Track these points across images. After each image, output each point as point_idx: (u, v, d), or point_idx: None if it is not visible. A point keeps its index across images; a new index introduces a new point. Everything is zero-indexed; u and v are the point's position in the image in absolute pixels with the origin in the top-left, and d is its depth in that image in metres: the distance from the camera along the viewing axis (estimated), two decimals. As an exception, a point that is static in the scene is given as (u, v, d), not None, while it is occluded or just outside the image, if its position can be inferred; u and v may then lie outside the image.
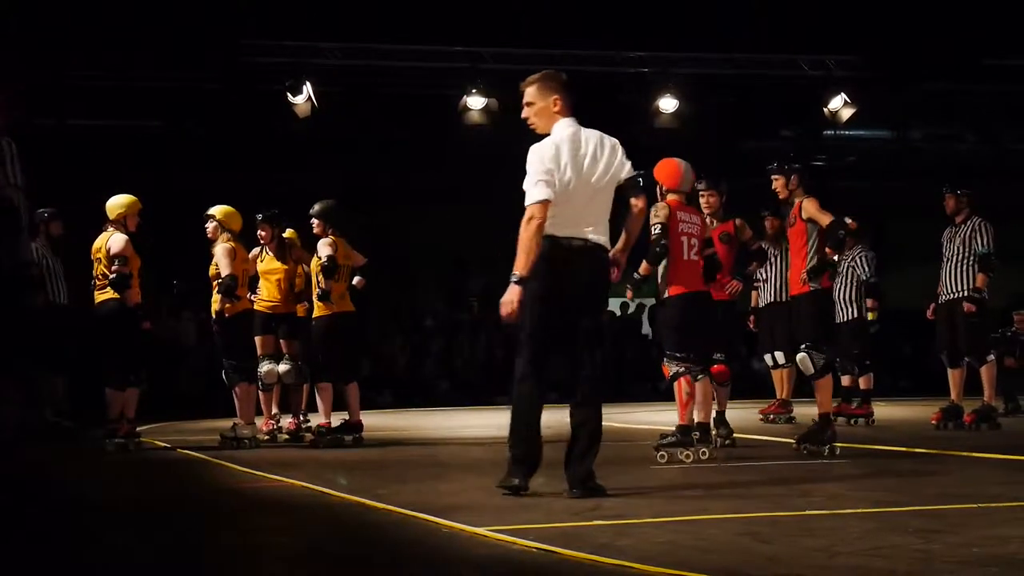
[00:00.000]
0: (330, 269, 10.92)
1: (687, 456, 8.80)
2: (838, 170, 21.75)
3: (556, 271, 6.80)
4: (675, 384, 8.96)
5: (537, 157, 6.84)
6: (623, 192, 6.97)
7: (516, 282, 6.73)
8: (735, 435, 10.39)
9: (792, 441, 9.74)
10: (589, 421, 6.85)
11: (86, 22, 15.87)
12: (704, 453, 8.95)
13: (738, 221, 10.19)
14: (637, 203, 7.03)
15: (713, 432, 9.76)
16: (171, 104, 19.56)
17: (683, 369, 8.93)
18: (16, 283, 6.85)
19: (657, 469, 8.59)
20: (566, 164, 6.84)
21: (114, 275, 10.44)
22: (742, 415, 13.19)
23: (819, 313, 9.53)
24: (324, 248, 11.02)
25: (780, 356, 13.37)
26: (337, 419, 11.36)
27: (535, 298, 6.78)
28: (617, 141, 7.04)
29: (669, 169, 9.20)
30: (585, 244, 6.84)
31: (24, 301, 6.96)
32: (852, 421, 12.98)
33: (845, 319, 12.98)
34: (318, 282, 11.09)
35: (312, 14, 17.16)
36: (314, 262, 11.21)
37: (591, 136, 6.98)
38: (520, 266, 6.74)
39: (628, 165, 6.97)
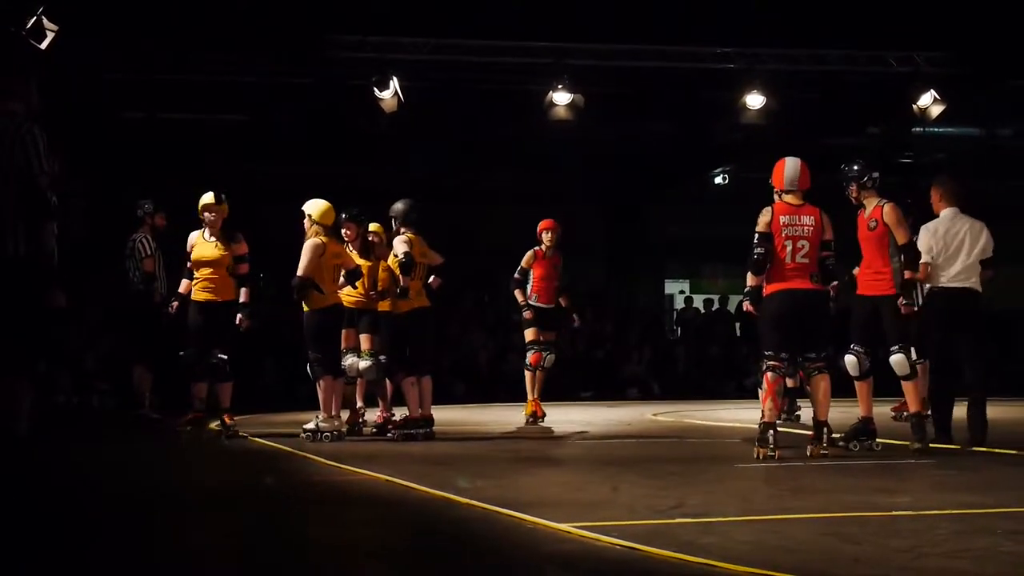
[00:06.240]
0: (407, 265, 10.95)
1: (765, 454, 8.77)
2: (926, 167, 21.44)
3: (941, 305, 10.05)
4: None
5: (923, 233, 10.07)
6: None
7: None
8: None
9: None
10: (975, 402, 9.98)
11: (174, 18, 16.00)
12: (855, 445, 9.30)
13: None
14: (985, 272, 10.11)
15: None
16: (258, 98, 19.72)
17: (765, 365, 8.92)
18: (36, 272, 6.87)
19: (740, 467, 8.55)
20: (941, 241, 9.98)
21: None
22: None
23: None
24: (400, 245, 11.10)
25: None
26: (400, 414, 11.55)
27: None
28: (983, 225, 10.09)
29: (775, 170, 9.23)
30: (956, 289, 9.99)
31: (42, 292, 6.95)
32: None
33: None
34: (395, 279, 11.17)
35: (398, 9, 17.18)
36: (391, 259, 11.26)
37: (964, 222, 10.07)
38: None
39: (988, 245, 10.05)
